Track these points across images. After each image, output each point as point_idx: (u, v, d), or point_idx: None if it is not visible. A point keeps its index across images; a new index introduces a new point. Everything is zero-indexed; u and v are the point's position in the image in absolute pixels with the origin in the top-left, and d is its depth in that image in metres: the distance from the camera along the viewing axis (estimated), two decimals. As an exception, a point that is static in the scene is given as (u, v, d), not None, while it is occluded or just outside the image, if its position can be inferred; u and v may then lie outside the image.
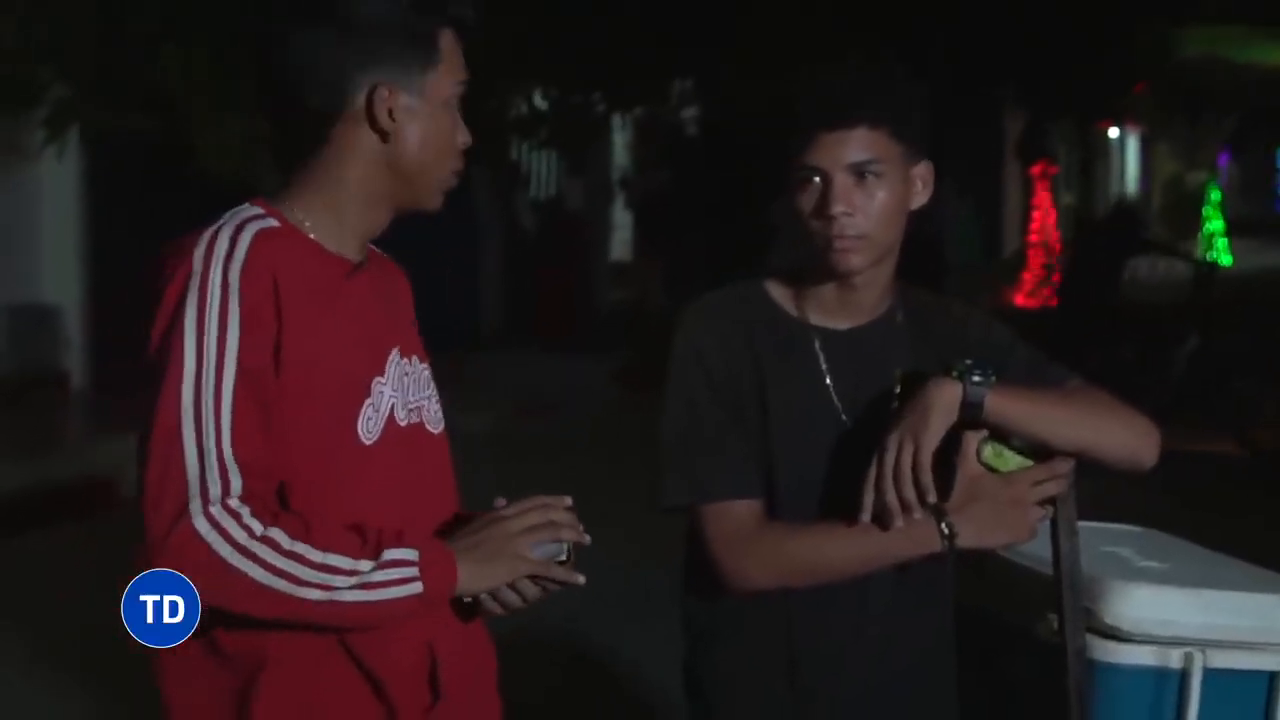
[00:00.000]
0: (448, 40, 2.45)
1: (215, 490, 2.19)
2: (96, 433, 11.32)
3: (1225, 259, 34.25)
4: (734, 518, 2.75)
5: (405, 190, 2.47)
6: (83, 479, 9.77)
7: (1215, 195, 35.17)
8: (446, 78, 2.45)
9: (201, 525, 2.18)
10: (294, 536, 2.22)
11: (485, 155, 15.66)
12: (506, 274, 19.38)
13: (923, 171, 2.83)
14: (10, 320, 13.01)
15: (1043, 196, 25.27)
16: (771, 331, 2.85)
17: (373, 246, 2.60)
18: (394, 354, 2.48)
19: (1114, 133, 40.95)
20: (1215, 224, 35.01)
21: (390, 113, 2.41)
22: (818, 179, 2.75)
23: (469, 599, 2.45)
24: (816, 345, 2.85)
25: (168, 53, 10.88)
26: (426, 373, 2.57)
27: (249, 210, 2.40)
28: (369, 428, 2.39)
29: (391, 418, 2.43)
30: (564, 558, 2.47)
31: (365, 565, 2.25)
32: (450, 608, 2.47)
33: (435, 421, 2.56)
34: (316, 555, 2.23)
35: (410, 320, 2.63)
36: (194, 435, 2.22)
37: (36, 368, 13.00)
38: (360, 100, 2.40)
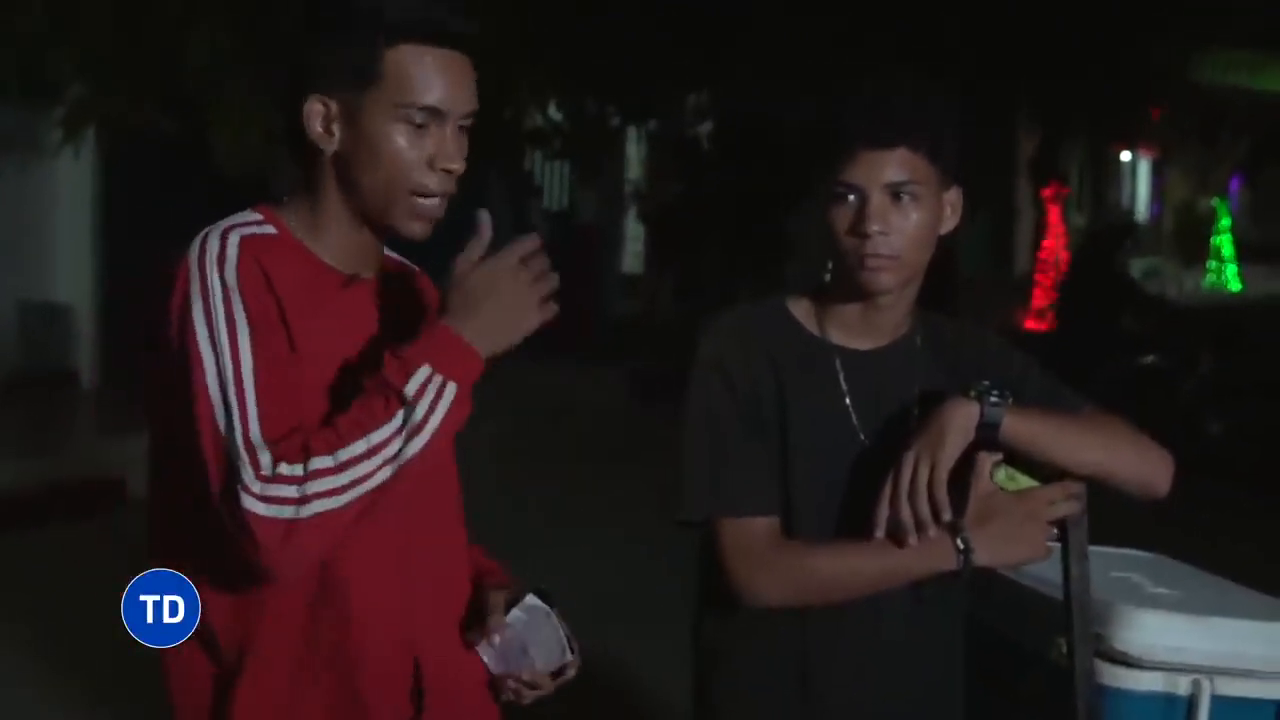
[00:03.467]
0: (403, 55, 2.38)
1: (249, 474, 2.20)
2: (107, 431, 11.33)
3: (1235, 285, 34.24)
4: (752, 533, 2.75)
5: (364, 206, 2.43)
6: (93, 477, 9.78)
7: (1226, 220, 35.16)
8: (391, 96, 2.38)
9: (258, 507, 2.19)
10: (331, 449, 2.23)
11: (499, 165, 15.70)
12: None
13: (953, 197, 2.84)
14: (22, 317, 13.03)
15: (1054, 218, 25.26)
16: (792, 349, 2.86)
17: (395, 258, 2.62)
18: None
19: (1126, 155, 40.94)
20: (1225, 249, 35.00)
21: (329, 128, 2.39)
22: (853, 196, 2.75)
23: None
24: (837, 364, 2.86)
25: (187, 48, 10.89)
26: None
27: (245, 216, 2.43)
28: None
29: None
30: (562, 646, 2.55)
31: (400, 416, 2.26)
32: (439, 614, 2.48)
33: None
34: (361, 444, 2.24)
35: None
36: (225, 422, 2.24)
37: (47, 365, 13.02)
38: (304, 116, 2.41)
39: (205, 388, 2.25)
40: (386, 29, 2.37)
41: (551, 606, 2.59)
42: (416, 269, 2.68)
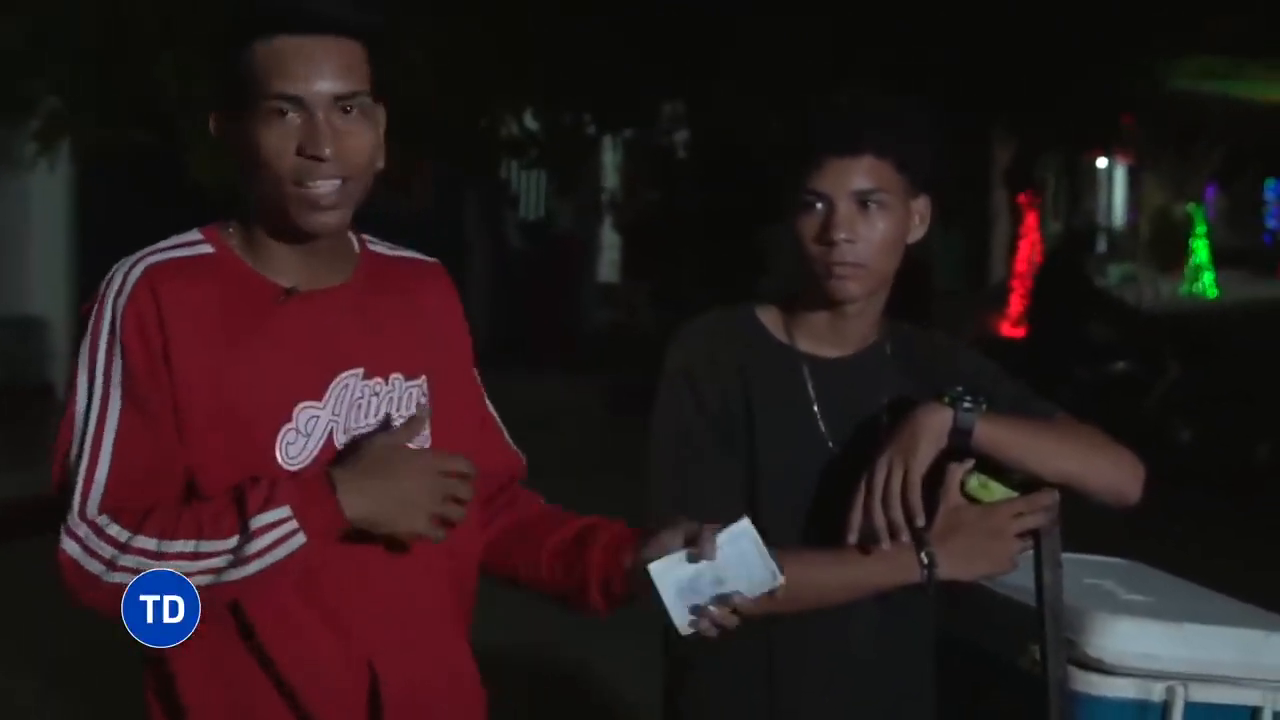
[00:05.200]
0: (265, 52, 2.35)
1: (74, 513, 2.27)
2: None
3: (1211, 291, 34.34)
4: (719, 543, 2.74)
5: (267, 212, 2.41)
6: (68, 491, 9.74)
7: (1202, 226, 35.26)
8: (252, 92, 2.35)
9: (70, 546, 2.27)
10: (162, 535, 2.26)
11: (475, 174, 15.69)
12: (495, 293, 19.38)
13: (921, 206, 2.85)
14: (-2, 331, 13.01)
15: (1030, 225, 25.31)
16: (761, 357, 2.86)
17: (396, 255, 2.60)
18: (349, 375, 2.43)
19: (1102, 162, 41.04)
20: (1202, 255, 35.09)
21: (226, 140, 2.41)
22: (820, 205, 2.76)
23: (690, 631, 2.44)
24: (805, 372, 2.86)
25: (163, 64, 10.88)
26: (418, 389, 2.52)
27: (180, 238, 2.43)
28: (290, 452, 2.37)
29: (329, 442, 2.40)
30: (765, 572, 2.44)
31: (233, 541, 2.26)
32: (402, 625, 2.45)
33: (422, 444, 2.50)
34: (189, 546, 2.26)
35: (416, 336, 2.56)
36: (77, 456, 2.31)
37: (23, 379, 12.98)
38: None
39: (73, 411, 2.34)
40: (250, 29, 2.37)
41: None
42: (426, 261, 2.65)
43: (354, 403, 2.44)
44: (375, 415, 2.46)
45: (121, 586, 2.25)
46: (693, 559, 2.43)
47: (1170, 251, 36.60)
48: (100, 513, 2.27)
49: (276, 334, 2.39)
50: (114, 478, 2.29)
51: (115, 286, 2.35)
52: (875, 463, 2.71)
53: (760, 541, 2.45)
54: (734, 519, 2.75)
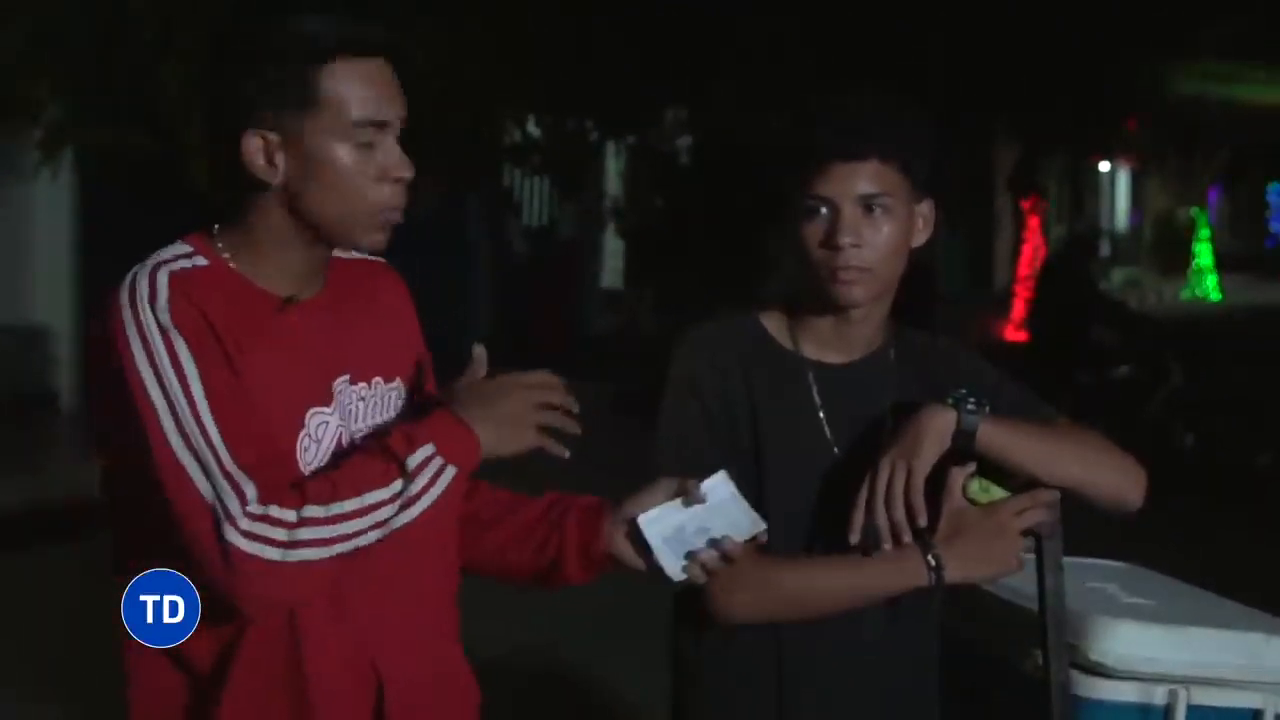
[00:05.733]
0: (336, 75, 2.35)
1: (234, 505, 2.21)
2: (86, 453, 11.29)
3: (1215, 295, 34.33)
4: (724, 549, 2.75)
5: (319, 230, 2.41)
6: (72, 499, 9.75)
7: (1205, 230, 35.26)
8: (334, 114, 2.35)
9: (241, 542, 2.20)
10: (326, 501, 2.25)
11: (478, 182, 15.69)
12: (498, 300, 19.40)
13: (925, 209, 2.84)
14: (1, 340, 13.00)
15: (1033, 230, 25.32)
16: (765, 363, 2.86)
17: (344, 257, 2.57)
18: (342, 381, 2.45)
19: (1105, 167, 41.04)
20: (1205, 259, 35.09)
21: (271, 159, 2.36)
22: (825, 209, 2.75)
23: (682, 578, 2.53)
24: (810, 378, 2.86)
25: (165, 70, 10.89)
26: (395, 393, 2.55)
27: (174, 250, 2.40)
28: (308, 459, 2.38)
29: (338, 446, 2.42)
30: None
31: (398, 485, 2.30)
32: (404, 623, 2.47)
33: None
34: (355, 503, 2.27)
35: (385, 339, 2.58)
36: (194, 459, 2.23)
37: (26, 388, 12.99)
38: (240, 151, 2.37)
39: (162, 436, 2.25)
40: (316, 52, 2.35)
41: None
42: (374, 260, 2.64)
43: (354, 404, 2.47)
44: (366, 420, 2.48)
45: (306, 564, 2.23)
46: (677, 510, 2.57)
47: (1173, 255, 36.63)
48: (259, 499, 2.22)
49: (282, 342, 2.39)
50: (239, 454, 2.24)
51: (145, 294, 2.29)
52: (878, 463, 2.71)
53: (738, 491, 2.59)
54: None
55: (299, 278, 2.44)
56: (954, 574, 2.74)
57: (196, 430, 2.24)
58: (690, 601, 2.80)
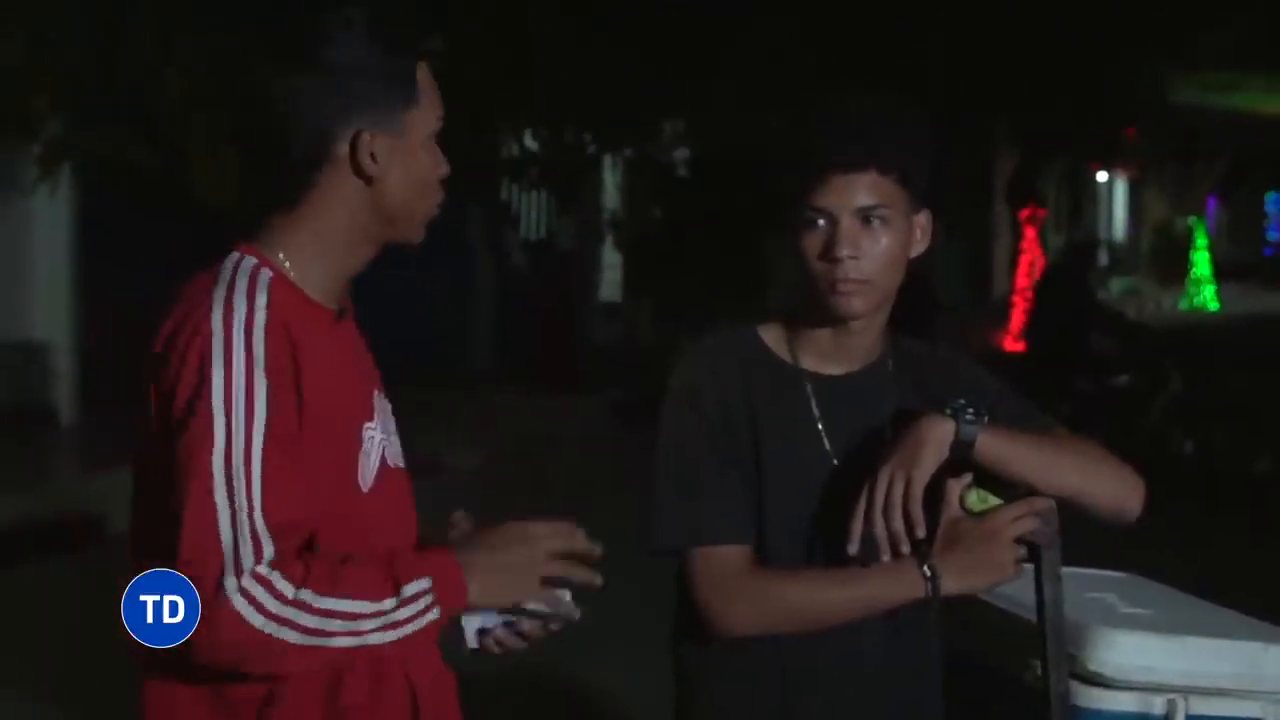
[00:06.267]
0: (424, 75, 2.44)
1: (248, 560, 2.20)
2: (86, 468, 11.31)
3: (1213, 304, 34.34)
4: (723, 562, 2.75)
5: (389, 228, 2.45)
6: (72, 514, 9.76)
7: (1203, 239, 35.27)
8: (428, 113, 2.44)
9: (236, 600, 2.19)
10: (323, 592, 2.23)
11: (477, 195, 15.68)
12: (498, 313, 19.40)
13: (923, 220, 2.85)
14: (0, 355, 13.00)
15: (1031, 239, 25.34)
16: (764, 376, 2.86)
17: None
18: (377, 395, 2.49)
19: (1103, 176, 41.07)
20: (1203, 268, 35.10)
21: (373, 156, 2.39)
22: (823, 221, 2.76)
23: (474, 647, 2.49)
24: (809, 390, 2.86)
25: (165, 81, 10.88)
26: (389, 407, 2.57)
27: (247, 263, 2.38)
28: (366, 475, 2.40)
29: (383, 461, 2.45)
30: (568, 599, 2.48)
31: (389, 604, 2.27)
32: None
33: (398, 457, 2.54)
34: (346, 605, 2.24)
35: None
36: (227, 504, 2.22)
37: (26, 403, 12.99)
38: (344, 148, 2.39)
39: (208, 468, 2.22)
40: (413, 49, 2.44)
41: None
42: None
43: (386, 419, 2.50)
44: (389, 432, 2.50)
45: (274, 643, 2.20)
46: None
47: (1171, 264, 36.66)
48: (271, 562, 2.21)
49: (337, 358, 2.41)
50: (272, 512, 2.23)
51: (242, 313, 2.29)
52: (877, 473, 2.72)
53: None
54: (737, 539, 2.77)
55: (340, 290, 2.47)
56: (950, 585, 2.74)
57: (243, 479, 2.23)
58: (693, 614, 2.81)
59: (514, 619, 2.51)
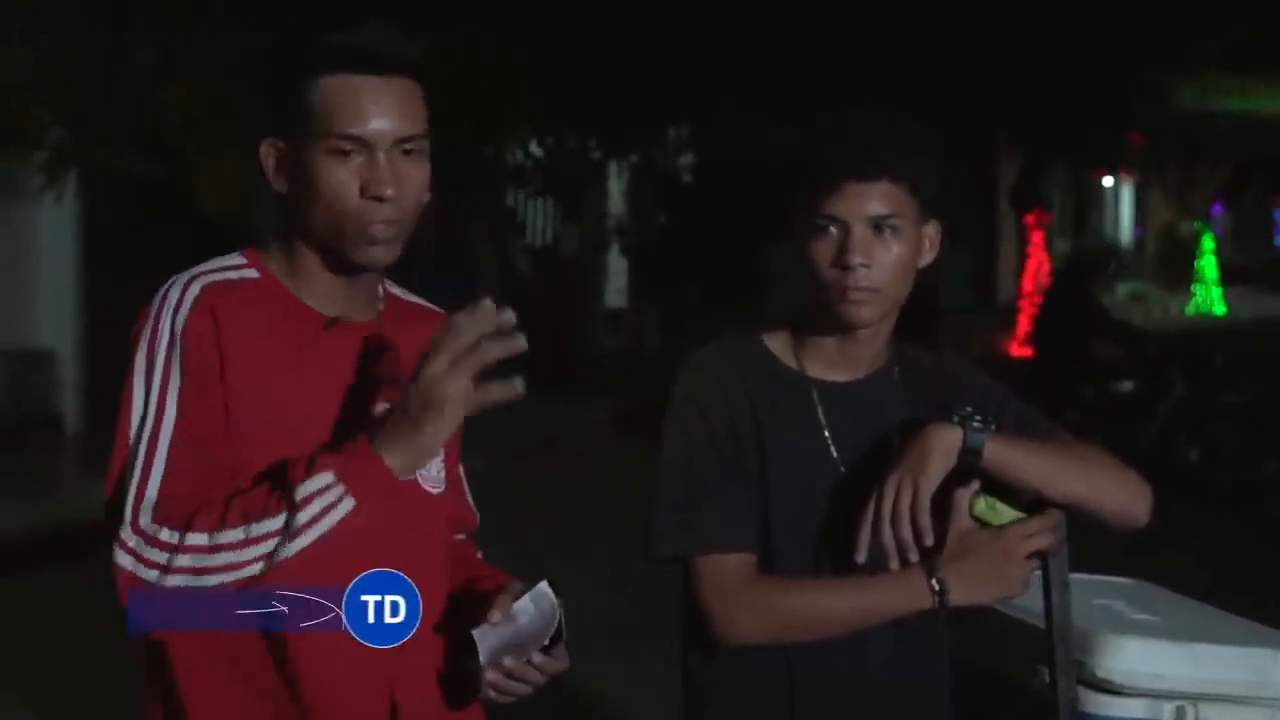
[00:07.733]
0: (329, 89, 2.38)
1: (126, 525, 2.27)
2: (91, 476, 11.28)
3: (1219, 308, 34.32)
4: (727, 570, 2.75)
5: (337, 242, 2.42)
6: (77, 522, 9.74)
7: (1209, 244, 35.26)
8: (320, 129, 2.37)
9: (123, 559, 2.27)
10: (212, 528, 2.24)
11: (481, 201, 15.69)
12: (502, 319, 19.37)
13: (932, 231, 2.84)
14: (5, 364, 13.01)
15: (1037, 245, 25.32)
16: (769, 383, 2.85)
17: (411, 300, 2.62)
18: (380, 410, 2.43)
19: (1108, 181, 41.08)
20: (1209, 272, 35.09)
21: (281, 169, 2.42)
22: (835, 229, 2.75)
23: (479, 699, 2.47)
24: (814, 397, 2.85)
25: (168, 90, 10.90)
26: None
27: (227, 260, 2.46)
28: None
29: None
30: (555, 632, 2.44)
31: (280, 519, 2.23)
32: (419, 654, 2.45)
33: (434, 481, 2.53)
34: (238, 533, 2.24)
35: None
36: (130, 470, 2.32)
37: (31, 411, 12.99)
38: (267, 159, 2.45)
39: (127, 427, 2.34)
40: (314, 64, 2.39)
41: (559, 598, 2.47)
42: (437, 311, 2.64)
43: None
44: None
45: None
46: (511, 622, 2.43)
47: (1177, 269, 36.63)
48: (153, 522, 2.27)
49: (322, 362, 2.42)
50: (165, 490, 2.29)
51: (172, 303, 2.37)
52: (884, 481, 2.71)
53: (559, 611, 2.46)
54: (742, 547, 2.76)
55: (339, 299, 2.47)
56: (959, 597, 2.73)
57: (147, 444, 2.31)
58: (699, 622, 2.80)
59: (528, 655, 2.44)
